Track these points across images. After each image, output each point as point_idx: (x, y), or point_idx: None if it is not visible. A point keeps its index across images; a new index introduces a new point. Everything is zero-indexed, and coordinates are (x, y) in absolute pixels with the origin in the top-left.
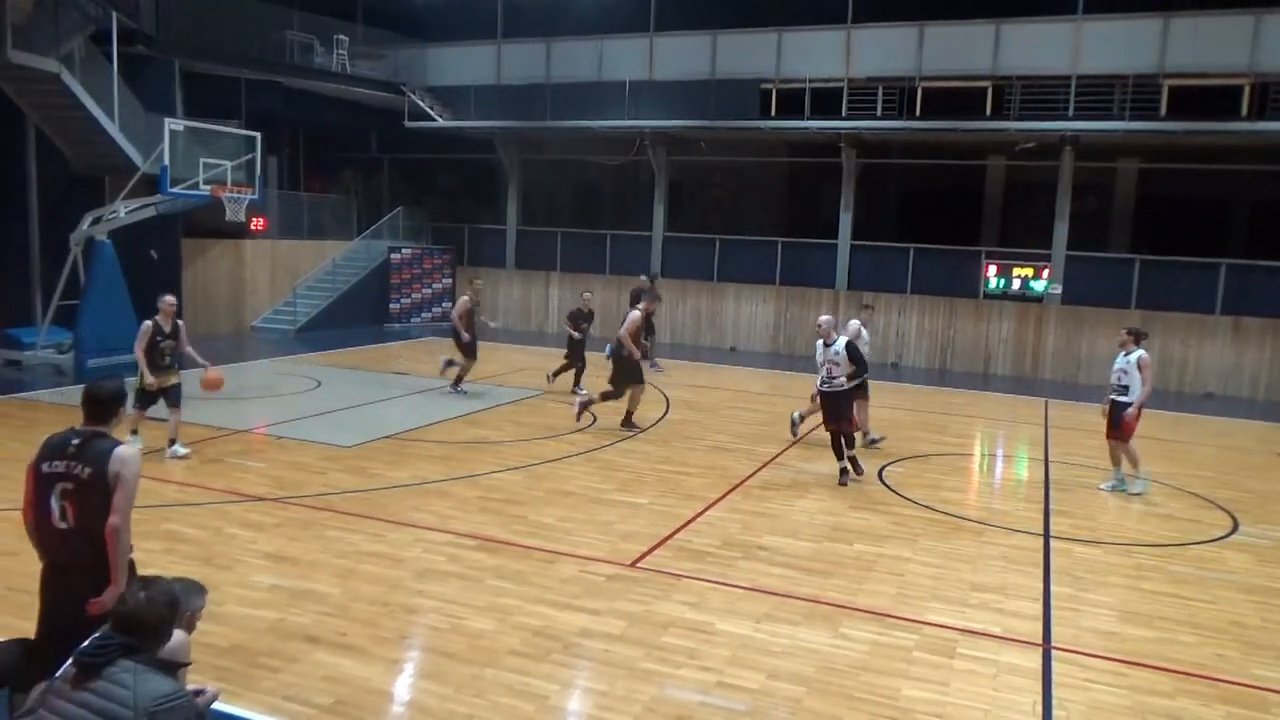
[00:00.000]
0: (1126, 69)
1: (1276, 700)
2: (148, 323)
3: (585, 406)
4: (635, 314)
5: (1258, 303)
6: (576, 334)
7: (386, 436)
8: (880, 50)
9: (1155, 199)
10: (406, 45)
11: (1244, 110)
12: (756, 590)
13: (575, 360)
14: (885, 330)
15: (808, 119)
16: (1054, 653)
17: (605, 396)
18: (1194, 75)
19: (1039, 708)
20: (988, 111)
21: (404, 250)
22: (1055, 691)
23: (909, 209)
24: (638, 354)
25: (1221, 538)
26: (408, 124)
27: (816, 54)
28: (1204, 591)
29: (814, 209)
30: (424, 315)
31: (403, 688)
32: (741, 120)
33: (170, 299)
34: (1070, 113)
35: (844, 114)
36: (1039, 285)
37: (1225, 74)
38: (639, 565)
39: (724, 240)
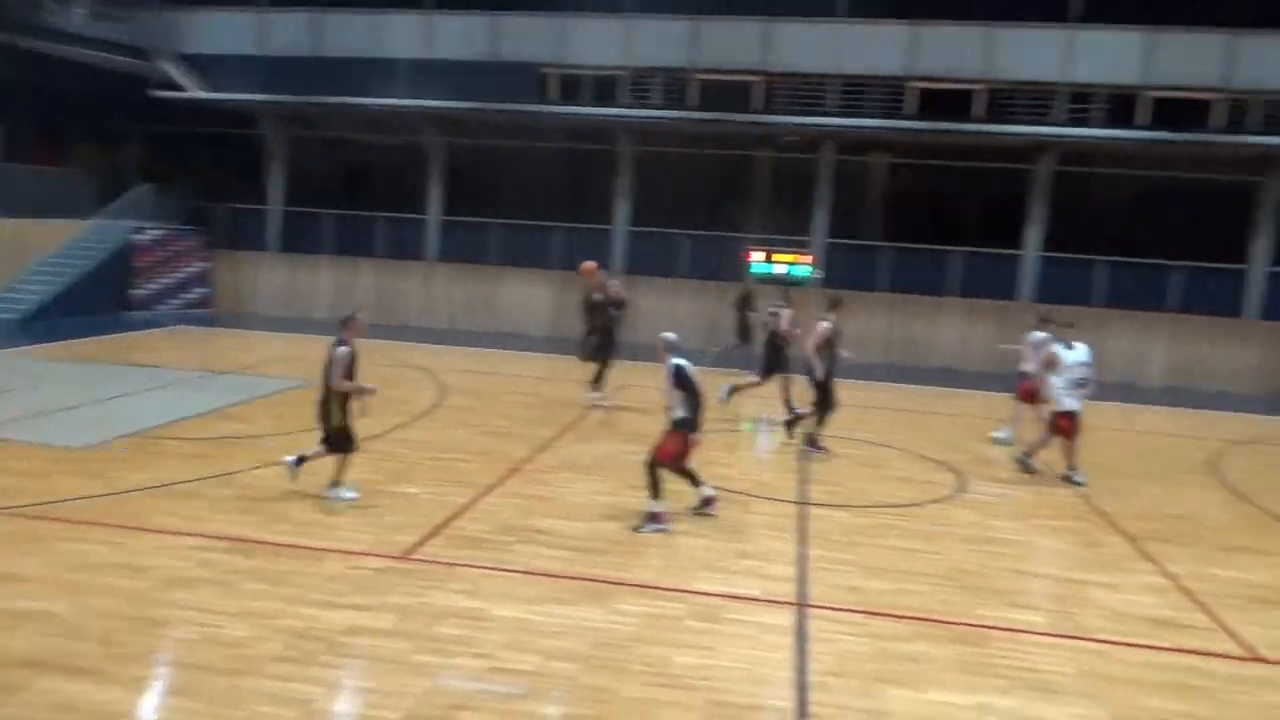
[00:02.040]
0: (881, 71)
1: (994, 635)
2: None
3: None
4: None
5: (987, 287)
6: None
7: (127, 435)
8: (659, 41)
9: (902, 192)
10: (157, 7)
11: (980, 113)
12: (532, 573)
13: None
14: (659, 314)
15: (586, 106)
16: (808, 610)
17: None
18: (938, 80)
19: (794, 661)
20: (758, 105)
21: (150, 232)
22: (809, 646)
23: (683, 196)
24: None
25: (950, 496)
26: (154, 94)
27: (597, 41)
28: (934, 544)
29: (592, 195)
30: (172, 302)
31: (149, 708)
32: (520, 105)
33: None
34: (830, 110)
35: (622, 102)
36: (800, 270)
37: (965, 80)
38: (411, 557)
39: (501, 225)
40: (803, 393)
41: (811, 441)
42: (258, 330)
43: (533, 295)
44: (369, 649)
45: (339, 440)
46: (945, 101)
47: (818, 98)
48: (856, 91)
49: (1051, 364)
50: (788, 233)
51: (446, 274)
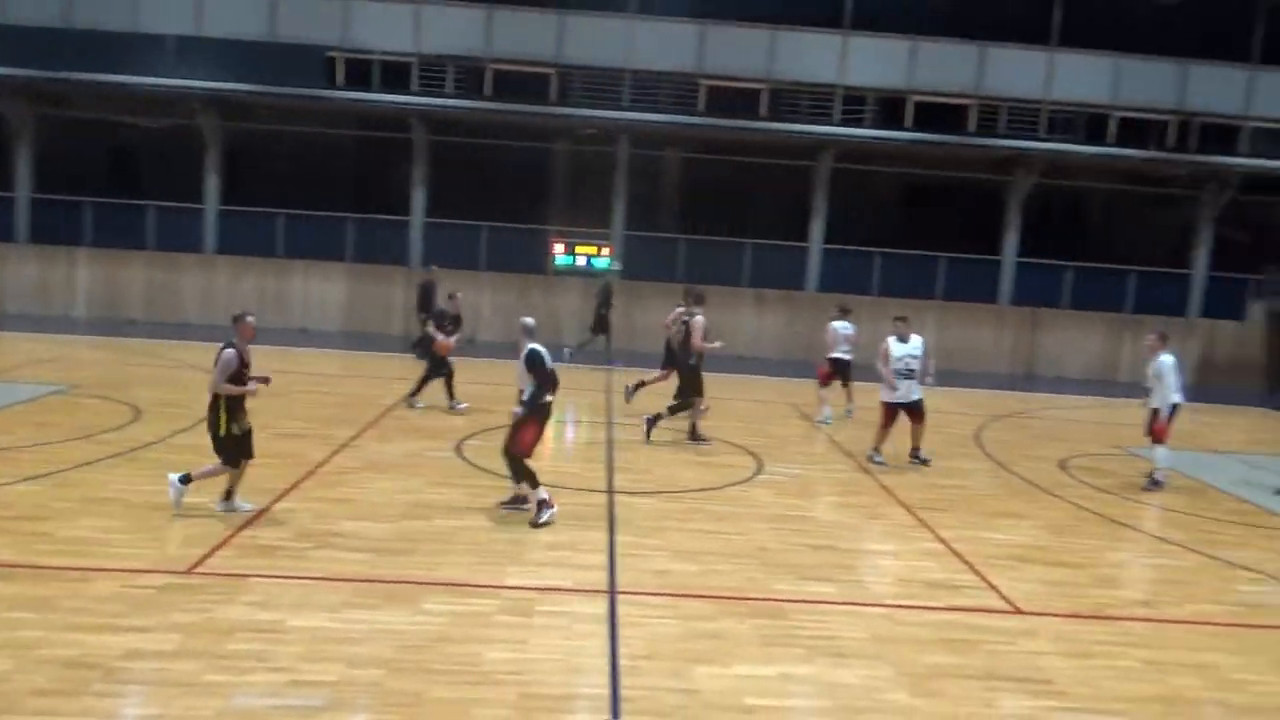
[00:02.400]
0: (670, 67)
1: (791, 608)
2: None
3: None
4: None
5: (775, 277)
6: (441, 337)
7: None
8: (451, 28)
9: (695, 185)
10: None
11: (765, 112)
12: (332, 579)
13: (439, 369)
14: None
15: (376, 92)
16: (618, 597)
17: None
18: (726, 78)
19: (607, 648)
20: (553, 97)
21: None
22: (620, 631)
23: (483, 187)
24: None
25: (750, 478)
26: None
27: (386, 26)
28: (737, 525)
29: (387, 185)
30: None
31: None
32: (305, 89)
33: None
34: (625, 104)
35: (414, 89)
36: (601, 262)
37: (750, 79)
38: (197, 571)
39: (290, 215)
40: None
41: (694, 433)
42: (5, 330)
43: (327, 289)
44: (152, 673)
45: (229, 451)
46: (733, 99)
47: (613, 92)
48: (650, 86)
49: (884, 356)
50: (588, 225)
51: (229, 267)
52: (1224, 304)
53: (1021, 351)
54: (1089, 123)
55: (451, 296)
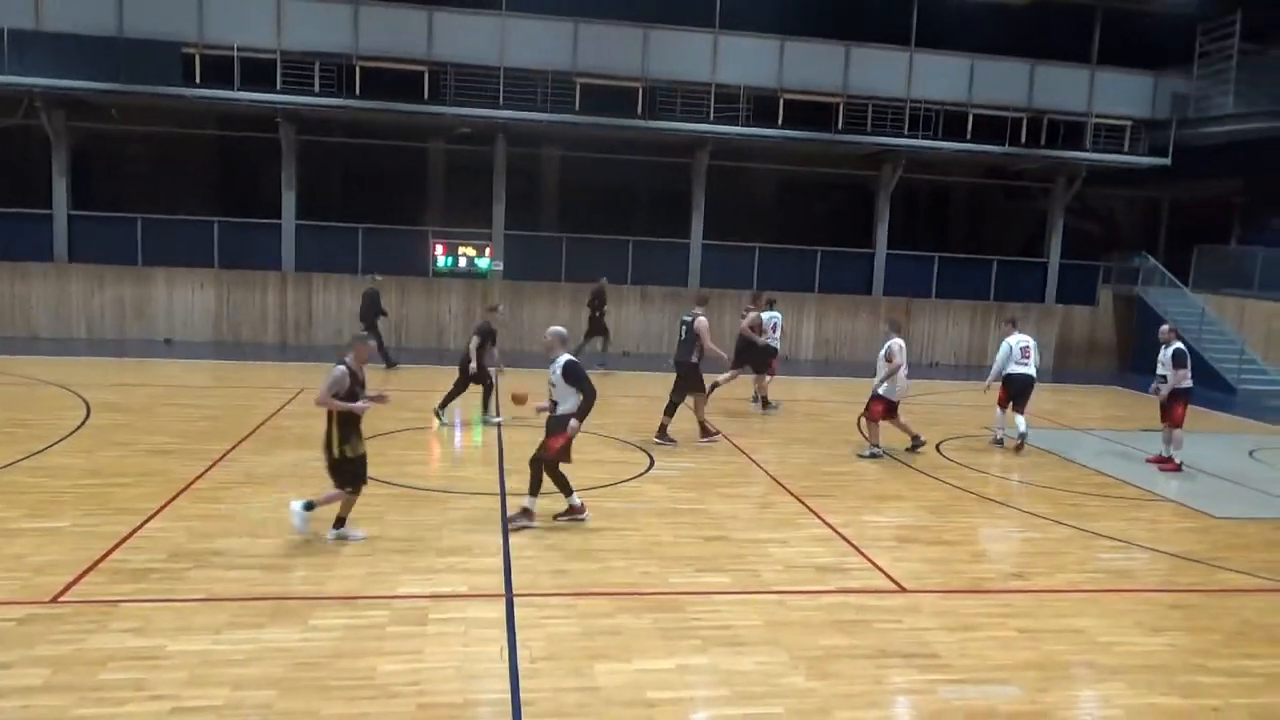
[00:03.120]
0: (546, 65)
1: (687, 600)
2: None
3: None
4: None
5: (658, 273)
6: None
7: None
8: (315, 23)
9: (576, 184)
10: None
11: (639, 109)
12: (214, 599)
13: (478, 380)
14: (338, 312)
15: (237, 90)
16: (515, 600)
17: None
18: (601, 76)
19: (506, 652)
20: (425, 95)
21: None
22: (519, 634)
23: (356, 188)
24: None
25: (642, 474)
26: None
27: (245, 21)
28: (631, 521)
29: (254, 187)
30: None
31: None
32: (160, 87)
33: None
34: (500, 102)
35: (279, 88)
36: (483, 263)
37: (626, 77)
38: (62, 599)
39: (149, 220)
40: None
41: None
42: None
43: (193, 297)
44: (17, 712)
45: (343, 473)
46: (610, 97)
47: (487, 90)
48: (526, 84)
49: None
50: (469, 225)
51: (83, 276)
52: (1077, 290)
53: None
54: (948, 120)
55: (493, 309)
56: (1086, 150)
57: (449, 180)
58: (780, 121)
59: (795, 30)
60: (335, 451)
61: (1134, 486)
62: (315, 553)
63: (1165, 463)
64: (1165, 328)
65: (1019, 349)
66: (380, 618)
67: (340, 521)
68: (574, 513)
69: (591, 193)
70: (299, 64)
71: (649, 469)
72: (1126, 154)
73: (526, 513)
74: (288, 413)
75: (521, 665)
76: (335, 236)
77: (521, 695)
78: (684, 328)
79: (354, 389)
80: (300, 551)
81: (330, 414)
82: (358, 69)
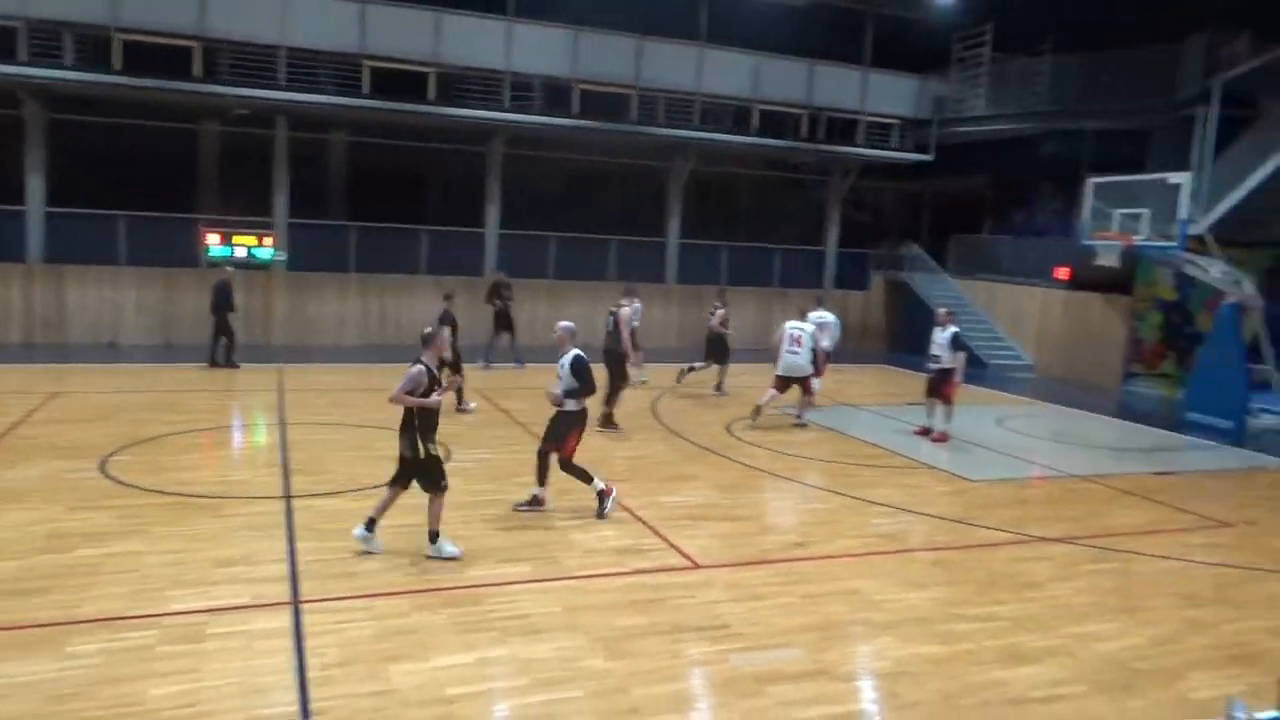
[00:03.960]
0: (331, 47)
1: (486, 592)
2: None
3: None
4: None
5: (453, 264)
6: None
7: None
8: None
9: (365, 171)
10: None
11: (431, 95)
12: None
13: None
14: (99, 307)
15: None
16: (303, 606)
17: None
18: (390, 60)
19: (293, 662)
20: (197, 73)
21: None
22: (307, 643)
23: (118, 172)
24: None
25: None
26: None
27: None
28: (423, 516)
29: None
30: None
31: None
32: None
33: None
34: (281, 83)
35: (25, 59)
36: (264, 253)
37: (416, 62)
38: None
39: None
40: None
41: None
42: None
43: None
44: None
45: (434, 473)
46: (399, 82)
47: (267, 70)
48: (309, 66)
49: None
50: (247, 213)
51: None
52: (852, 276)
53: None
54: (735, 114)
55: (448, 296)
56: (859, 146)
57: (226, 166)
58: (575, 111)
59: (589, 21)
60: (421, 451)
61: (902, 456)
62: (70, 574)
63: (931, 434)
64: (943, 311)
65: (790, 336)
66: (148, 638)
67: (436, 534)
68: (604, 497)
69: (382, 180)
70: (47, 34)
71: (447, 461)
72: (894, 150)
73: (537, 500)
74: (37, 420)
75: (311, 674)
76: (92, 224)
77: (311, 706)
78: (610, 319)
79: (432, 387)
80: (52, 574)
81: (412, 413)
82: (117, 42)
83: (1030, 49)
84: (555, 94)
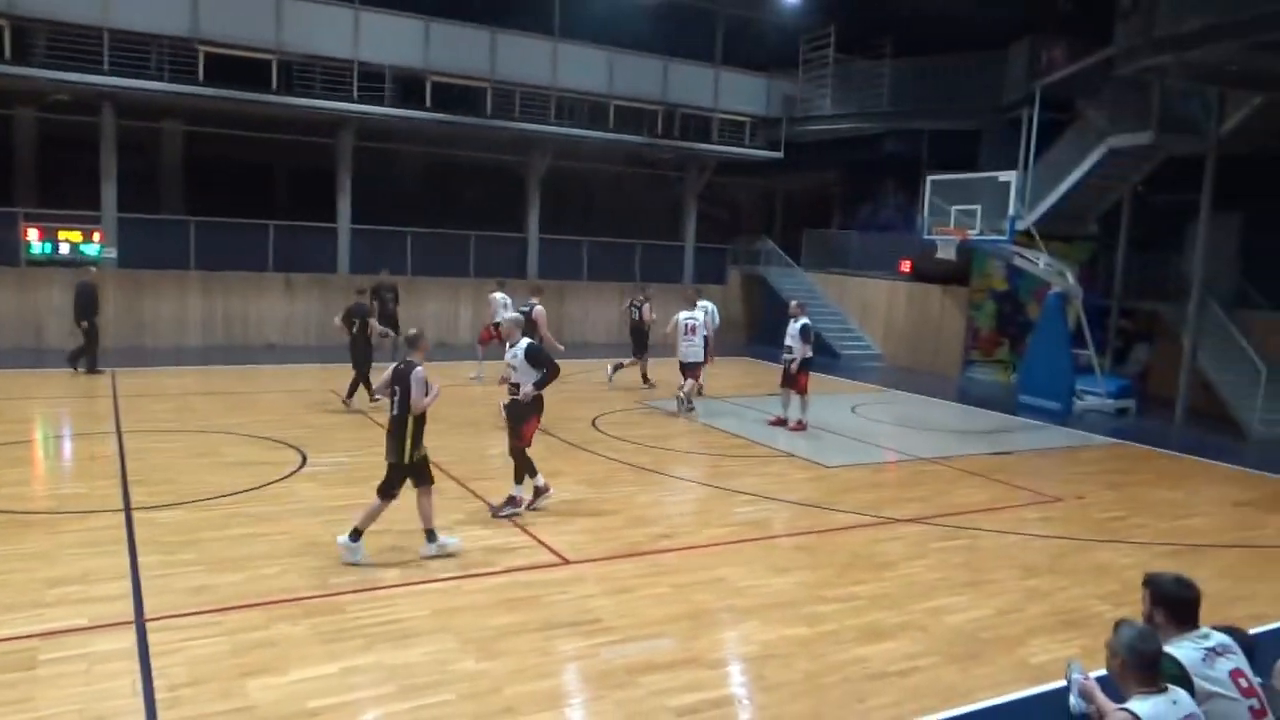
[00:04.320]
0: (160, 30)
1: (348, 599)
2: None
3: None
4: None
5: (304, 260)
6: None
7: None
8: None
9: (204, 162)
10: None
11: (274, 84)
12: None
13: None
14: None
15: None
16: (148, 625)
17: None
18: (227, 45)
19: (139, 685)
20: (6, 55)
21: None
22: (154, 662)
23: None
24: None
25: (293, 472)
26: None
27: None
28: (282, 525)
29: None
30: None
31: None
32: None
33: None
34: (105, 67)
35: None
36: (91, 249)
37: (257, 49)
38: None
39: None
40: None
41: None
42: None
43: None
44: None
45: (422, 471)
46: (239, 70)
47: (89, 53)
48: (137, 49)
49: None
50: (73, 207)
51: None
52: (710, 270)
53: (550, 322)
54: (592, 110)
55: (360, 291)
56: (713, 143)
57: (47, 155)
58: (428, 104)
59: (441, 12)
60: (408, 456)
61: (764, 446)
62: None
63: (786, 424)
64: (794, 303)
65: (686, 325)
66: None
67: (432, 532)
68: (540, 494)
69: (224, 172)
70: None
71: (301, 467)
72: (747, 147)
73: (513, 500)
74: None
75: (160, 696)
76: None
77: None
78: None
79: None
80: None
81: (405, 419)
82: None
83: (871, 52)
84: (407, 86)
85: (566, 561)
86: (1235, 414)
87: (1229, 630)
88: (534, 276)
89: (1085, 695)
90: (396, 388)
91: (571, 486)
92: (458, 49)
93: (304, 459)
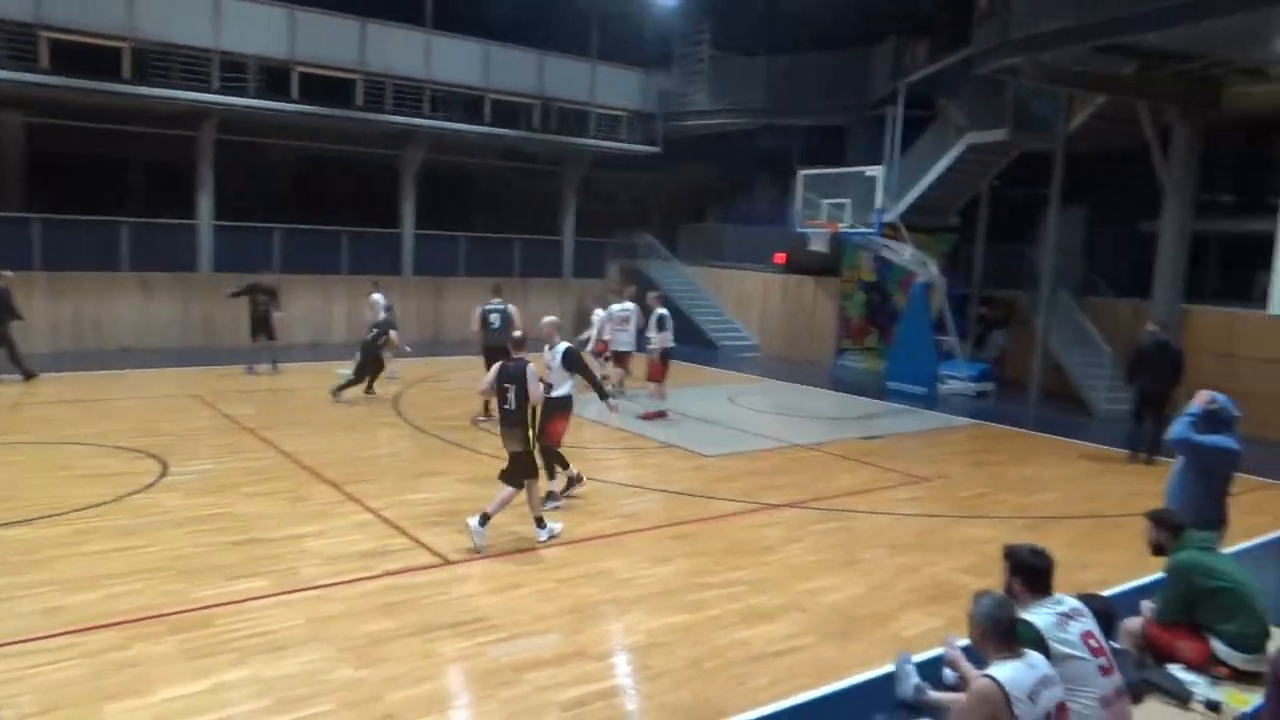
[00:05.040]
0: (2, 14)
1: (217, 612)
2: None
3: None
4: None
5: (161, 258)
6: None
7: None
8: None
9: (49, 156)
10: None
11: (126, 73)
12: None
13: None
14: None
15: None
16: None
17: None
18: (73, 32)
19: None
20: None
21: None
22: None
23: None
24: None
25: (154, 482)
26: None
27: None
28: (145, 538)
29: None
30: None
31: None
32: None
33: None
34: None
35: None
36: None
37: (104, 35)
38: None
39: None
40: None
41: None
42: None
43: None
44: None
45: (537, 464)
46: (84, 58)
47: None
48: None
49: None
50: None
51: None
52: (589, 265)
53: (427, 319)
54: (467, 103)
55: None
56: (591, 137)
57: None
58: (295, 96)
59: (307, 0)
60: (532, 444)
61: (644, 437)
62: None
63: (655, 415)
64: (652, 295)
65: (619, 317)
66: None
67: (541, 521)
68: (573, 484)
69: (73, 166)
70: None
71: (161, 477)
72: (624, 142)
73: (566, 485)
74: None
75: None
76: None
77: None
78: (497, 316)
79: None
80: None
81: (528, 409)
82: None
83: (744, 49)
84: (273, 77)
85: (448, 562)
86: (1083, 393)
87: (1091, 598)
88: (409, 274)
89: (950, 664)
90: (509, 385)
91: (453, 486)
92: (326, 39)
93: (165, 468)
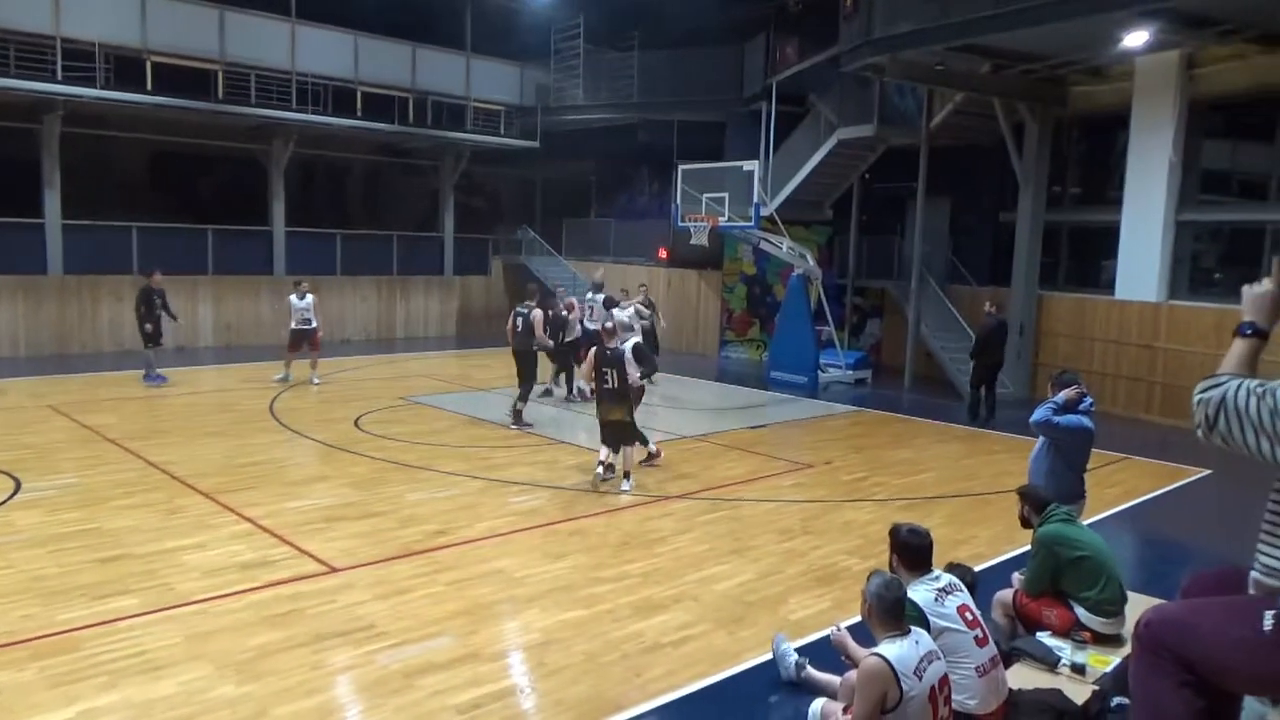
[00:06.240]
0: None
1: (85, 635)
2: None
3: None
4: None
5: (4, 261)
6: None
7: None
8: None
9: None
10: None
11: None
12: None
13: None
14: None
15: None
16: None
17: None
18: None
19: None
20: None
21: None
22: None
23: None
24: None
25: (6, 500)
26: None
27: None
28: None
29: None
30: None
31: None
32: None
33: None
34: None
35: None
36: None
37: None
38: None
39: None
40: None
41: None
42: None
43: None
44: None
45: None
46: None
47: None
48: None
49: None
50: None
51: None
52: (472, 261)
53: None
54: (337, 96)
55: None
56: (468, 132)
57: None
58: (149, 86)
59: None
60: (631, 414)
61: (534, 434)
62: None
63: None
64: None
65: (587, 309)
66: None
67: (628, 474)
68: (652, 459)
69: None
70: None
71: (15, 493)
72: (502, 136)
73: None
74: None
75: None
76: None
77: None
78: (519, 319)
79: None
80: None
81: (627, 385)
82: None
83: (620, 44)
84: (124, 66)
85: (334, 569)
86: (952, 377)
87: (954, 567)
88: (281, 273)
89: (838, 646)
90: (609, 370)
91: (336, 490)
92: (181, 26)
93: (18, 485)
